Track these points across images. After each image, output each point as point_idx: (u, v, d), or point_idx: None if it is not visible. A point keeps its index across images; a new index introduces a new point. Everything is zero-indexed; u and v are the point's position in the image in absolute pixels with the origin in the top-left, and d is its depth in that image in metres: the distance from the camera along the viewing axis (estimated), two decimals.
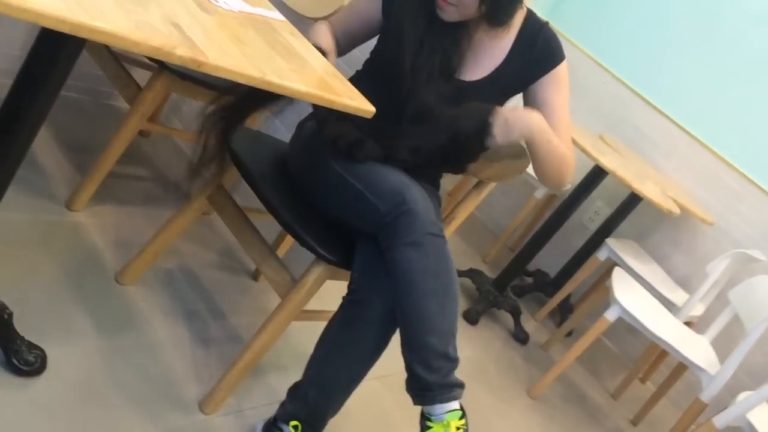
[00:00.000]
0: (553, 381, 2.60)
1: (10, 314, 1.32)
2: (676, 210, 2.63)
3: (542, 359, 2.86)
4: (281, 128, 2.35)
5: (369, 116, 1.17)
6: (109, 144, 1.81)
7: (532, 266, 3.24)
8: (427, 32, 1.52)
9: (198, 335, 1.75)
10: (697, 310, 2.79)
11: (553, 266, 3.35)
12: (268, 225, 1.69)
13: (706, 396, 2.31)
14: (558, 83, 1.59)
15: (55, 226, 1.76)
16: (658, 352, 3.03)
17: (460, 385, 1.37)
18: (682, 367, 2.79)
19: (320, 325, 1.49)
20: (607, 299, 2.46)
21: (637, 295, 2.52)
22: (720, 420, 2.16)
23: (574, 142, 2.50)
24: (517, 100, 1.71)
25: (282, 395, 1.53)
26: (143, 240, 1.72)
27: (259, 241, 1.56)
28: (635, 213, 3.04)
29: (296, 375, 1.50)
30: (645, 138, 3.36)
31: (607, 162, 2.49)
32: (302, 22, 1.96)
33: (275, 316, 1.49)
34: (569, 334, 3.17)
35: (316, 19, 1.99)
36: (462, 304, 2.78)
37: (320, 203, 1.57)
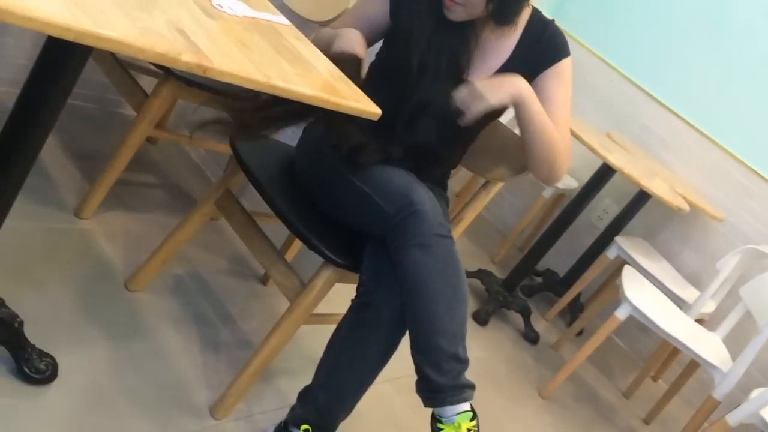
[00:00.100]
0: (565, 381, 2.59)
1: (21, 322, 1.32)
2: (686, 207, 2.62)
3: (553, 359, 2.85)
4: (287, 132, 2.35)
5: (375, 118, 1.17)
6: (116, 151, 1.82)
7: (541, 266, 3.23)
8: (435, 33, 1.52)
9: (208, 341, 1.75)
10: (709, 307, 2.77)
11: (562, 265, 3.33)
12: (276, 229, 1.69)
13: (718, 393, 2.30)
14: (560, 78, 1.58)
15: (64, 234, 1.77)
16: (669, 350, 3.01)
17: (471, 387, 1.37)
18: (694, 364, 2.77)
19: (330, 329, 1.49)
20: (618, 298, 2.45)
21: (648, 293, 2.51)
22: (733, 417, 2.14)
23: (582, 141, 2.50)
24: None
25: (292, 399, 1.52)
26: (152, 247, 1.73)
27: (267, 246, 1.56)
28: (644, 211, 3.03)
29: (306, 379, 1.50)
30: (653, 135, 3.34)
31: (615, 160, 2.48)
32: (306, 26, 1.96)
33: (284, 320, 1.49)
34: (580, 333, 3.15)
35: (320, 23, 1.99)
36: (471, 305, 2.77)
37: (328, 206, 1.57)
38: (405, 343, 1.41)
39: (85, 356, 1.48)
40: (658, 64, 3.35)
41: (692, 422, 2.39)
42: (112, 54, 1.93)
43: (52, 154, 2.00)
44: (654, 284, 2.68)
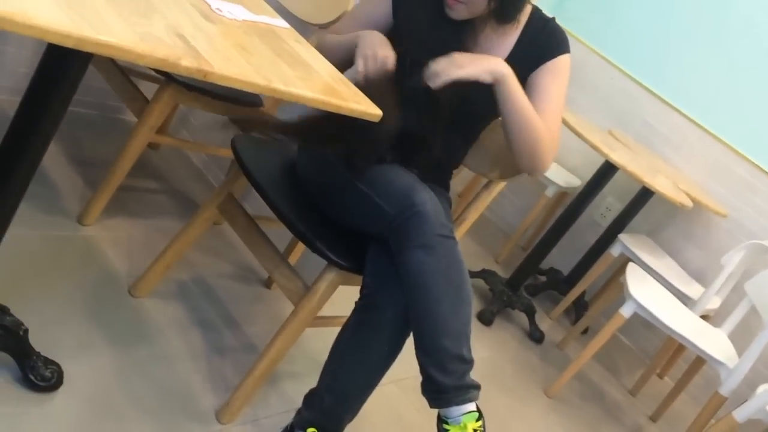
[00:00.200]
0: (570, 379, 2.59)
1: (26, 330, 1.32)
2: (689, 203, 2.61)
3: (558, 358, 2.84)
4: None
5: (376, 120, 1.17)
6: (118, 157, 1.82)
7: (545, 265, 3.23)
8: (434, 32, 1.51)
9: (212, 345, 1.75)
10: (713, 303, 2.76)
11: (566, 264, 3.33)
12: (279, 232, 1.70)
13: (725, 390, 2.29)
14: (555, 72, 1.57)
15: (67, 241, 1.77)
16: (675, 347, 3.00)
17: (476, 387, 1.37)
18: (700, 361, 2.77)
19: (334, 331, 1.48)
20: (622, 295, 2.44)
21: (652, 290, 2.50)
22: (740, 413, 2.13)
23: (584, 138, 2.49)
24: None
25: (298, 403, 1.52)
26: (155, 252, 1.73)
27: (270, 249, 1.56)
28: (647, 207, 3.02)
29: (312, 382, 1.50)
30: (654, 132, 3.34)
31: (617, 157, 2.48)
32: (305, 29, 1.96)
33: (289, 323, 1.49)
34: (585, 331, 3.15)
35: (319, 25, 1.99)
36: (476, 305, 2.77)
37: (330, 209, 1.57)
38: (411, 343, 1.40)
39: (90, 363, 1.48)
40: (659, 61, 3.35)
41: (699, 419, 2.39)
42: (112, 60, 1.94)
43: (54, 161, 2.00)
44: (658, 281, 2.68)
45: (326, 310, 1.53)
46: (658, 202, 3.02)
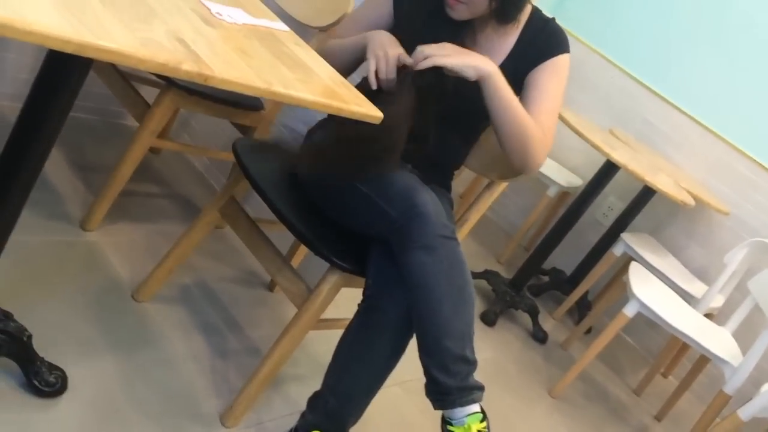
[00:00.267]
0: (574, 379, 2.58)
1: (30, 336, 1.32)
2: (691, 201, 2.61)
3: (562, 358, 2.84)
4: (290, 138, 2.35)
5: (377, 122, 1.17)
6: (120, 162, 1.82)
7: (547, 264, 3.23)
8: (432, 32, 1.52)
9: (216, 349, 1.75)
10: (717, 301, 2.76)
11: (569, 264, 3.33)
12: (281, 235, 1.70)
13: (729, 388, 2.29)
14: (553, 71, 1.57)
15: (70, 247, 1.77)
16: (679, 346, 3.00)
17: (480, 388, 1.36)
18: (704, 360, 2.76)
19: (337, 334, 1.48)
20: (625, 295, 2.44)
21: (655, 288, 2.50)
22: (745, 412, 2.13)
23: (585, 138, 2.49)
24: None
25: (302, 405, 1.52)
26: (158, 256, 1.73)
27: (272, 252, 1.56)
28: (649, 206, 3.02)
29: (315, 384, 1.50)
30: (655, 130, 3.34)
31: (619, 156, 2.48)
32: (305, 32, 1.96)
33: (292, 326, 1.49)
34: (588, 331, 3.15)
35: (319, 28, 1.99)
36: (479, 306, 2.77)
37: (331, 211, 1.57)
38: (413, 345, 1.40)
39: (94, 368, 1.48)
40: (659, 59, 3.35)
41: (704, 418, 2.38)
42: (113, 65, 1.94)
43: (55, 167, 2.01)
44: (661, 280, 2.68)
45: (329, 313, 1.53)
46: (660, 200, 3.02)
